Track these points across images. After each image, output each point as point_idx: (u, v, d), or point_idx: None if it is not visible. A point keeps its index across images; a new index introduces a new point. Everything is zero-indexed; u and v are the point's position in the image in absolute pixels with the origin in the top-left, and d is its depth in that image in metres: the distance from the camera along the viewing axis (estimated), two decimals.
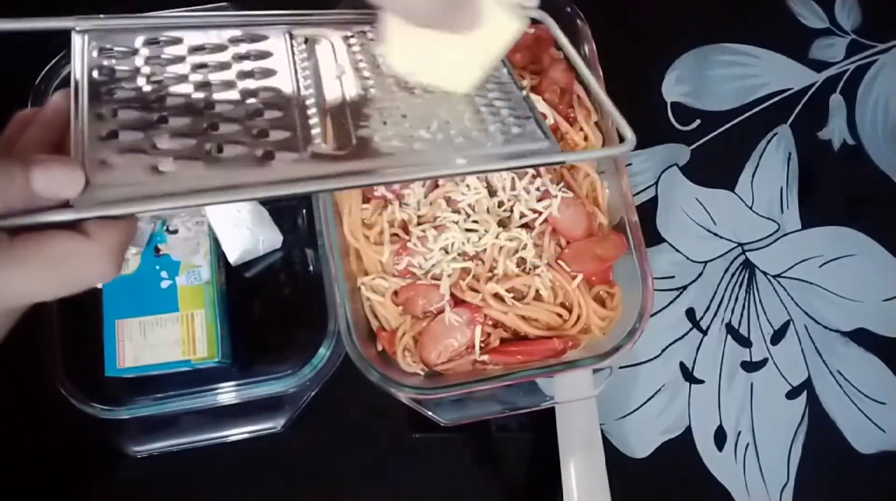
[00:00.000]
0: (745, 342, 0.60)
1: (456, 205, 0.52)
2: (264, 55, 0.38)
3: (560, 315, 0.53)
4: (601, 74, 0.55)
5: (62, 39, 0.55)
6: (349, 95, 0.37)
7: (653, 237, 0.62)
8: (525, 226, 0.53)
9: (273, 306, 0.58)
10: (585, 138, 0.56)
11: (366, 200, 0.54)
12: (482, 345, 0.51)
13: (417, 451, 0.56)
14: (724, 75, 0.68)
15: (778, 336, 0.61)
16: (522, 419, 0.56)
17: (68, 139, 0.31)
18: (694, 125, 0.66)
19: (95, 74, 0.34)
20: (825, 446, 0.58)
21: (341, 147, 0.35)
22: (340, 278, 0.50)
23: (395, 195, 0.53)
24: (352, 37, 0.41)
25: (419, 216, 0.53)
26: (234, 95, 0.35)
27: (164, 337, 0.52)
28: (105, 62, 0.35)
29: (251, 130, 0.34)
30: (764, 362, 0.60)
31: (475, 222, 0.52)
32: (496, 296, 0.51)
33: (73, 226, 0.29)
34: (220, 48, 0.37)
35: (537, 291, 0.52)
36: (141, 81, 0.35)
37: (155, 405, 0.51)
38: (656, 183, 0.64)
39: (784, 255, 0.63)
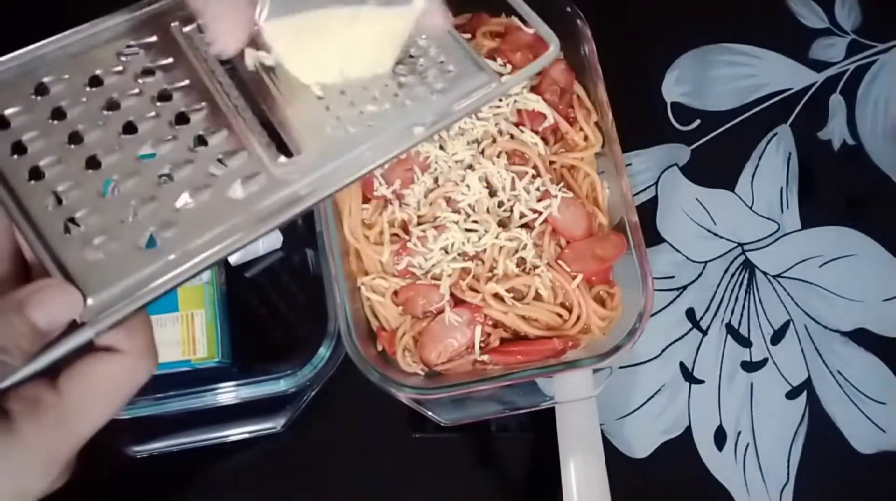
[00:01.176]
0: (745, 342, 0.60)
1: (456, 205, 0.52)
2: (165, 62, 0.33)
3: (560, 315, 0.53)
4: (601, 73, 0.55)
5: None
6: (274, 84, 0.34)
7: (653, 237, 0.62)
8: (525, 226, 0.53)
9: (273, 306, 0.58)
10: (585, 138, 0.56)
11: (365, 200, 0.54)
12: (482, 345, 0.51)
13: (417, 451, 0.56)
14: (724, 75, 0.68)
15: (778, 336, 0.61)
16: (522, 419, 0.57)
17: (7, 247, 0.29)
18: (694, 125, 0.66)
19: (4, 154, 0.29)
20: (825, 446, 0.58)
21: (300, 149, 0.32)
22: (340, 278, 0.50)
23: (396, 195, 0.53)
24: None
25: (419, 216, 0.53)
26: (163, 127, 0.31)
27: (164, 337, 0.52)
28: (2, 136, 0.29)
29: (208, 166, 0.31)
30: (764, 362, 0.60)
31: (475, 222, 0.52)
32: (496, 296, 0.51)
33: (92, 344, 0.27)
34: (115, 69, 0.32)
35: (537, 291, 0.52)
36: (58, 138, 0.30)
37: (155, 405, 0.51)
38: (656, 183, 0.64)
39: (784, 255, 0.63)
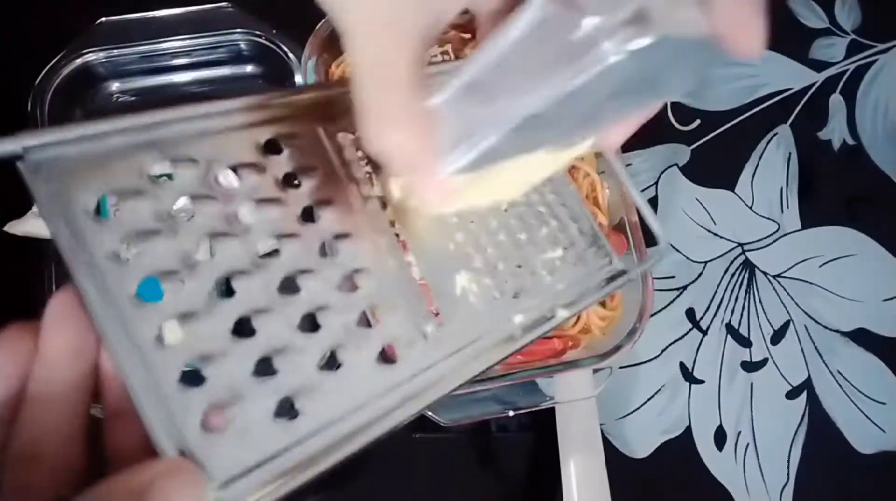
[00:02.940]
0: (745, 342, 0.60)
1: None
2: (312, 172, 0.26)
3: None
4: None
5: (62, 37, 0.56)
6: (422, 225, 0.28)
7: (653, 237, 0.62)
8: None
9: None
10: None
11: None
12: None
13: (417, 451, 0.56)
14: (724, 75, 0.68)
15: (778, 336, 0.61)
16: (522, 419, 0.56)
17: (103, 393, 0.21)
18: (694, 125, 0.66)
19: (107, 251, 0.20)
20: (825, 446, 0.58)
21: (446, 314, 0.26)
22: None
23: None
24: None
25: None
26: (310, 256, 0.24)
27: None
28: (103, 226, 0.20)
29: (358, 323, 0.24)
30: (764, 362, 0.60)
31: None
32: None
33: None
34: (256, 167, 0.24)
35: None
36: (177, 247, 0.21)
37: None
38: (656, 183, 0.64)
39: (784, 255, 0.63)
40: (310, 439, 0.22)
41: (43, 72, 0.54)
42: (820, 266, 0.63)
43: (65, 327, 0.20)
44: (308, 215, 0.25)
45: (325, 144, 0.26)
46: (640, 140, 0.65)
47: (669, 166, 0.65)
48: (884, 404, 0.59)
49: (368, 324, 0.24)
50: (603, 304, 0.54)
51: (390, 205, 0.27)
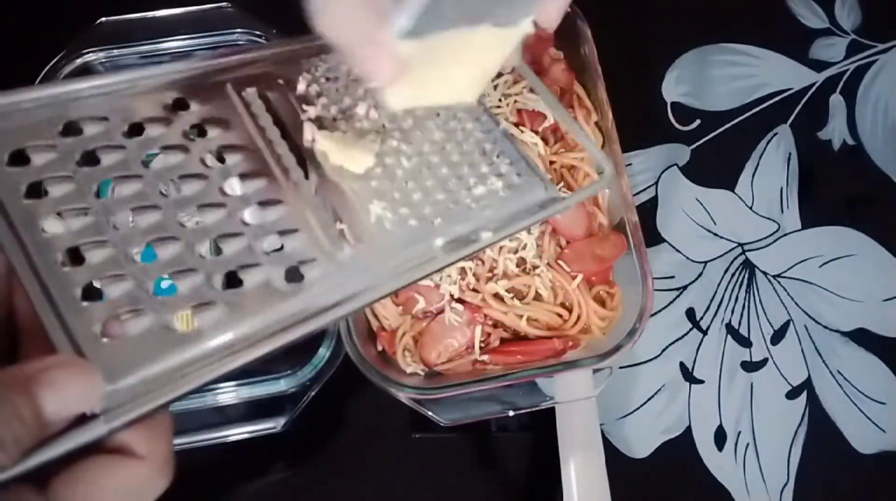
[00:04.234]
0: (745, 342, 0.60)
1: None
2: (222, 125, 0.29)
3: (560, 315, 0.53)
4: (601, 73, 0.55)
5: (62, 37, 0.56)
6: (337, 165, 0.30)
7: (653, 237, 0.62)
8: None
9: None
10: None
11: None
12: (482, 345, 0.51)
13: (417, 451, 0.56)
14: (724, 75, 0.68)
15: (778, 336, 0.61)
16: (522, 419, 0.56)
17: (17, 316, 0.24)
18: (694, 125, 0.66)
19: (16, 190, 0.24)
20: (825, 446, 0.58)
21: (359, 239, 0.28)
22: None
23: None
24: (308, 74, 0.33)
25: None
26: (213, 192, 0.27)
27: None
28: (15, 170, 0.24)
29: (260, 243, 0.26)
30: (764, 362, 0.60)
31: None
32: (496, 296, 0.51)
33: (99, 445, 0.22)
34: (164, 121, 0.28)
35: (537, 291, 0.52)
36: (86, 187, 0.25)
37: None
38: (656, 183, 0.64)
39: (784, 255, 0.63)
40: (208, 348, 0.24)
41: (43, 72, 0.54)
42: (820, 266, 0.63)
43: None
44: (217, 161, 0.28)
45: (232, 99, 0.29)
46: (640, 140, 0.65)
47: (669, 166, 0.65)
48: (884, 404, 0.59)
49: (276, 248, 0.27)
50: (603, 304, 0.54)
51: (305, 151, 0.30)
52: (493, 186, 0.33)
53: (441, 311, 0.51)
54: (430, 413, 0.50)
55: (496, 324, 0.52)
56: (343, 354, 0.51)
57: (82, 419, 0.21)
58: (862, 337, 0.61)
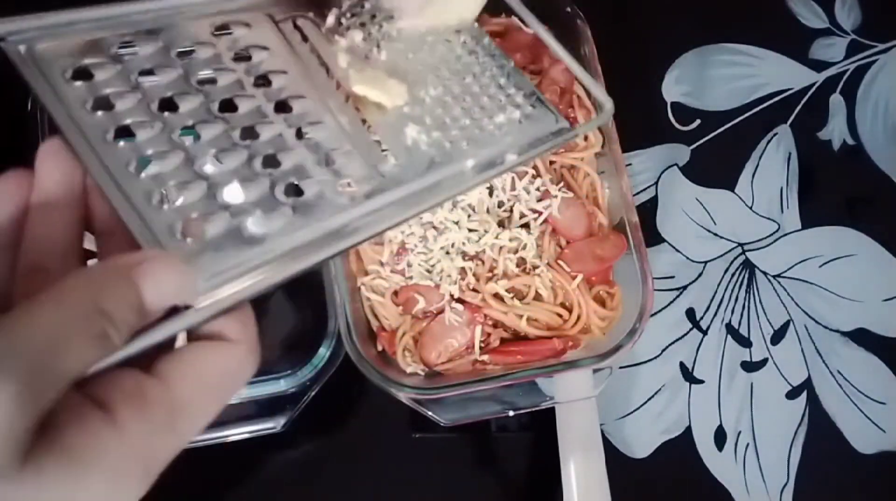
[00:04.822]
0: (745, 342, 0.60)
1: (456, 205, 0.52)
2: (265, 51, 0.31)
3: (560, 315, 0.53)
4: (601, 73, 0.55)
5: None
6: (370, 87, 0.33)
7: (653, 237, 0.62)
8: (525, 226, 0.53)
9: (273, 305, 0.58)
10: (585, 138, 0.56)
11: None
12: (482, 345, 0.51)
13: (417, 451, 0.56)
14: (724, 75, 0.68)
15: (778, 336, 0.61)
16: (522, 419, 0.56)
17: (93, 219, 0.25)
18: (694, 125, 0.66)
19: (83, 104, 0.25)
20: (825, 446, 0.58)
21: (399, 158, 0.31)
22: (340, 278, 0.50)
23: None
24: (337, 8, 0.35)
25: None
26: (265, 111, 0.29)
27: None
28: (80, 85, 0.26)
29: (313, 159, 0.29)
30: (764, 362, 0.60)
31: (475, 221, 0.52)
32: (496, 296, 0.51)
33: (197, 332, 0.24)
34: (210, 44, 0.30)
35: (537, 291, 0.52)
36: (147, 101, 0.27)
37: None
38: (656, 183, 0.64)
39: (784, 255, 0.63)
40: (279, 249, 0.26)
41: None
42: (820, 266, 0.63)
43: (54, 161, 0.24)
44: (262, 83, 0.30)
45: (270, 27, 0.32)
46: (640, 140, 0.65)
47: (669, 166, 0.65)
48: (884, 404, 0.59)
49: (328, 164, 0.29)
50: (603, 304, 0.54)
51: (343, 79, 0.32)
52: (512, 115, 0.35)
53: (441, 311, 0.51)
54: (430, 413, 0.50)
55: (496, 324, 0.52)
56: (343, 354, 0.51)
57: (174, 311, 0.23)
58: (862, 337, 0.61)
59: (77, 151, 0.24)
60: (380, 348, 0.53)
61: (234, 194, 0.26)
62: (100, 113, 0.25)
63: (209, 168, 0.26)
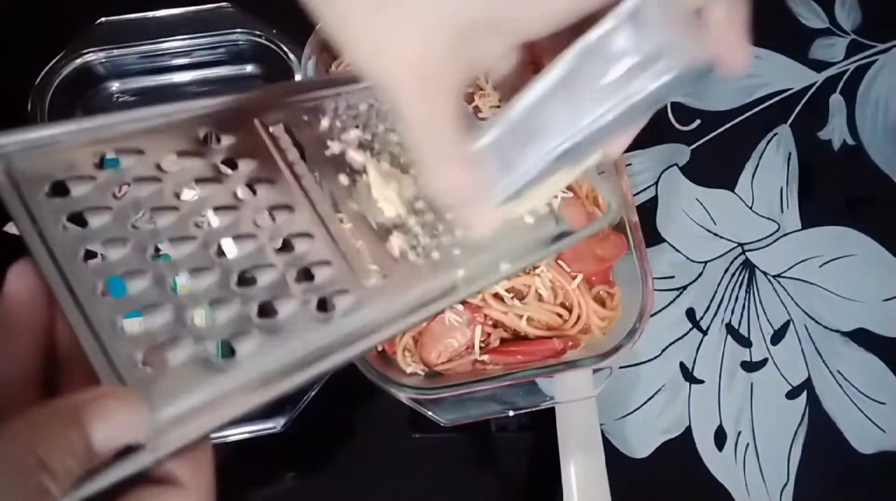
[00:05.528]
0: (745, 342, 0.60)
1: None
2: (252, 158, 0.30)
3: (560, 315, 0.53)
4: None
5: (62, 37, 0.56)
6: (356, 201, 0.31)
7: (653, 237, 0.62)
8: None
9: None
10: None
11: None
12: (482, 345, 0.51)
13: (417, 451, 0.56)
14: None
15: (778, 336, 0.61)
16: (522, 419, 0.56)
17: (57, 345, 0.25)
18: (694, 125, 0.66)
19: (56, 221, 0.24)
20: (825, 446, 0.58)
21: (384, 269, 0.29)
22: None
23: None
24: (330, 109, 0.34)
25: None
26: (245, 223, 0.27)
27: None
28: (55, 202, 0.25)
29: (292, 274, 0.27)
30: (764, 362, 0.60)
31: None
32: (496, 296, 0.51)
33: (145, 475, 0.22)
34: (196, 154, 0.28)
35: (537, 291, 0.52)
36: (122, 218, 0.25)
37: None
38: (656, 183, 0.64)
39: (784, 255, 0.63)
40: (246, 377, 0.24)
41: (43, 72, 0.54)
42: (820, 266, 0.63)
43: (23, 279, 0.24)
44: (247, 192, 0.28)
45: (260, 134, 0.30)
46: (640, 140, 0.65)
47: (669, 166, 0.65)
48: (884, 404, 0.59)
49: (308, 279, 0.27)
50: (603, 304, 0.54)
51: (333, 186, 0.31)
52: (511, 221, 0.33)
53: (441, 311, 0.51)
54: (430, 413, 0.50)
55: (496, 324, 0.52)
56: None
57: (126, 451, 0.22)
58: (862, 337, 0.61)
59: (43, 270, 0.23)
60: (380, 348, 0.53)
61: (202, 317, 0.25)
62: (71, 230, 0.24)
63: (180, 289, 0.25)
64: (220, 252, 0.27)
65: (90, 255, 0.24)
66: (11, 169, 0.24)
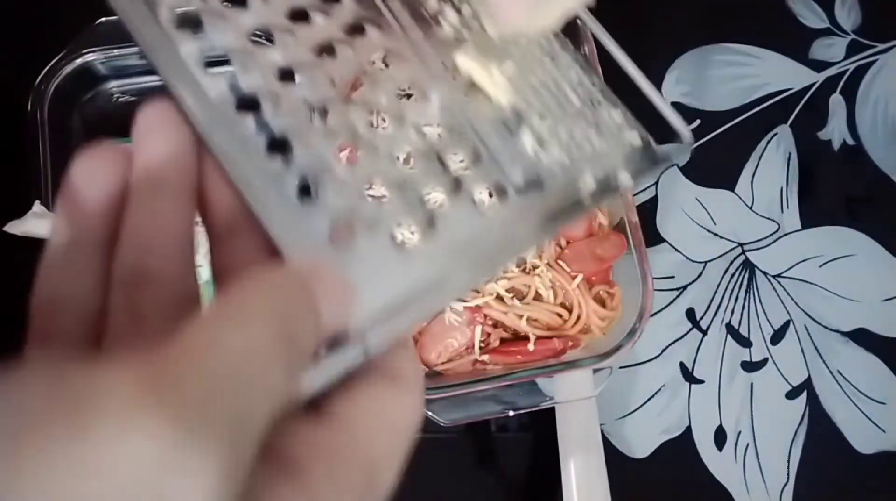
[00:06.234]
0: (745, 342, 0.60)
1: None
2: (377, 25, 0.26)
3: (560, 315, 0.53)
4: (601, 73, 0.55)
5: (62, 37, 0.56)
6: (479, 63, 0.28)
7: (653, 237, 0.62)
8: None
9: None
10: None
11: None
12: (482, 345, 0.51)
13: (417, 451, 0.56)
14: (724, 75, 0.68)
15: (778, 336, 0.61)
16: (522, 419, 0.56)
17: (208, 212, 0.19)
18: (694, 125, 0.66)
19: (197, 62, 0.19)
20: (825, 446, 0.58)
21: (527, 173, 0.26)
22: None
23: None
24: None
25: None
26: (399, 106, 0.24)
27: None
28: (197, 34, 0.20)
29: (447, 162, 0.24)
30: (764, 362, 0.60)
31: None
32: (496, 296, 0.51)
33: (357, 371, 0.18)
34: (323, 11, 0.24)
35: (537, 291, 0.52)
36: (275, 79, 0.21)
37: None
38: (656, 183, 0.64)
39: (784, 255, 0.63)
40: (451, 263, 0.21)
41: (43, 72, 0.54)
42: (820, 266, 0.63)
43: (163, 130, 0.18)
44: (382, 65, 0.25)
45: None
46: None
47: (669, 166, 0.65)
48: (884, 404, 0.59)
49: (466, 168, 0.24)
50: (603, 304, 0.54)
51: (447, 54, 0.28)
52: (611, 131, 0.31)
53: (441, 311, 0.51)
54: (430, 413, 0.50)
55: (496, 324, 0.52)
56: None
57: (334, 343, 0.18)
58: (862, 337, 0.61)
59: (195, 120, 0.18)
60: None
61: (375, 193, 0.21)
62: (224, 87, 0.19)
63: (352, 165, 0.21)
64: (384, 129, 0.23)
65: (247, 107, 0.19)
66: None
